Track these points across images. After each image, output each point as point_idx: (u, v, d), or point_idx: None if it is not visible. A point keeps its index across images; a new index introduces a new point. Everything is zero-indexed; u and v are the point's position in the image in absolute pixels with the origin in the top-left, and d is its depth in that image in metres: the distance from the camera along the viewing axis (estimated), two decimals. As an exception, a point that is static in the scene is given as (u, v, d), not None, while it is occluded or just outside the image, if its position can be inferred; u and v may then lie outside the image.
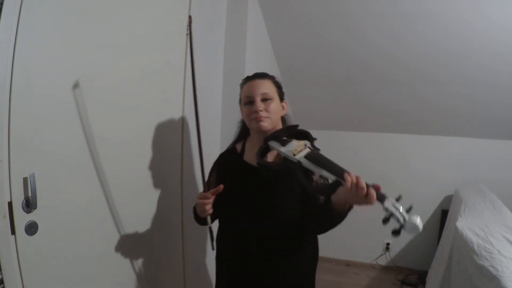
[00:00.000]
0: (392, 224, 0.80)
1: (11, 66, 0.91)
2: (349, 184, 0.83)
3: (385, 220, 0.80)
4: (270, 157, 1.16)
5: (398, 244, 3.02)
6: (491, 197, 2.20)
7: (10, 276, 0.93)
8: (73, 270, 1.15)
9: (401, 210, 0.79)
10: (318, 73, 2.65)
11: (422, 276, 2.62)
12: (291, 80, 2.76)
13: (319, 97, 2.85)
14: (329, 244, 3.20)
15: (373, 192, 0.82)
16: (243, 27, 2.07)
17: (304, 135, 1.14)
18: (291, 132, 1.14)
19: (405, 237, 3.00)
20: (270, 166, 1.07)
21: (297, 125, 1.18)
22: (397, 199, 0.82)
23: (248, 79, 1.18)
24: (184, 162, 1.69)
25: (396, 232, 0.79)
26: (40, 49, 0.99)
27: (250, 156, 1.19)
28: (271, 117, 1.13)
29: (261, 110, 1.11)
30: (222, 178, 1.21)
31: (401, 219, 0.78)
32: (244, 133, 1.28)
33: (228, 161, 1.26)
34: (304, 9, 2.20)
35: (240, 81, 1.24)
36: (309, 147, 1.04)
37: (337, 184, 0.89)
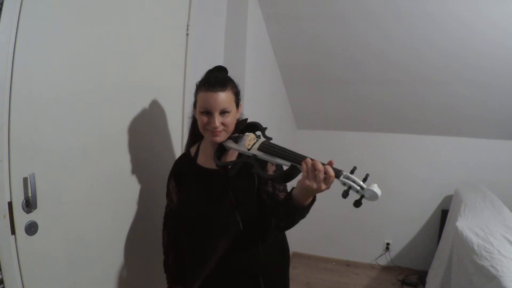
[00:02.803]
0: (353, 197, 0.84)
1: (11, 66, 0.91)
2: (304, 170, 0.84)
3: (345, 194, 0.83)
4: (229, 156, 1.16)
5: (398, 244, 3.02)
6: (491, 197, 2.20)
7: (10, 276, 0.93)
8: (73, 270, 1.15)
9: (357, 181, 0.82)
10: (318, 73, 2.65)
11: (422, 276, 2.63)
12: (291, 80, 2.76)
13: (319, 97, 2.85)
14: (329, 244, 3.21)
15: (331, 171, 0.83)
16: (243, 27, 2.07)
17: (254, 127, 1.13)
18: (242, 126, 1.14)
19: (405, 237, 3.00)
20: (229, 166, 1.06)
21: (246, 119, 1.17)
22: (352, 171, 0.85)
23: (208, 87, 1.06)
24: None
25: (357, 203, 0.83)
26: (40, 49, 0.99)
27: (203, 159, 1.18)
28: (227, 130, 1.09)
29: (218, 126, 1.06)
30: (180, 184, 1.21)
31: (359, 189, 0.82)
32: (197, 136, 1.23)
33: (184, 166, 1.23)
34: (304, 9, 2.20)
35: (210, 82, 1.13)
36: (262, 138, 1.05)
37: (294, 169, 0.90)
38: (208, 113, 1.06)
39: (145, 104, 1.43)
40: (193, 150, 1.24)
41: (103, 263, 1.27)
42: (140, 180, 1.43)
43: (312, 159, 0.86)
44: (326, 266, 3.08)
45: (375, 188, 0.81)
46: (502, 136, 2.68)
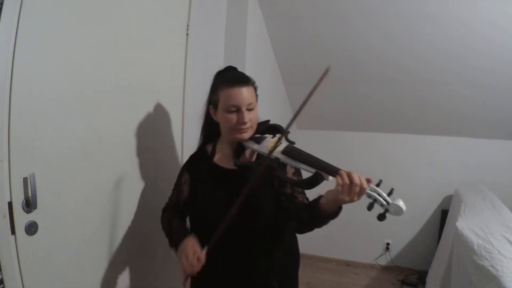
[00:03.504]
0: (377, 210, 0.83)
1: (11, 66, 0.91)
2: (340, 183, 0.82)
3: (370, 207, 0.83)
4: (245, 156, 1.14)
5: (398, 244, 3.02)
6: (491, 197, 2.20)
7: (10, 276, 0.93)
8: (73, 270, 1.15)
9: (383, 195, 0.82)
10: (318, 73, 2.62)
11: (422, 276, 2.62)
12: (291, 80, 2.76)
13: (318, 97, 2.83)
14: (329, 244, 3.21)
15: (365, 183, 0.82)
16: (243, 27, 2.07)
17: (276, 129, 1.12)
18: (263, 128, 1.12)
19: (405, 237, 3.00)
20: (249, 166, 1.03)
21: (268, 120, 1.16)
22: (378, 185, 0.84)
23: (233, 83, 1.05)
24: (184, 161, 1.68)
25: (381, 216, 0.82)
26: (40, 49, 0.99)
27: (221, 159, 1.16)
28: (253, 126, 1.08)
29: (248, 122, 1.04)
30: (194, 181, 1.18)
31: (385, 203, 0.81)
32: (213, 134, 1.20)
33: (199, 164, 1.19)
34: (304, 9, 2.20)
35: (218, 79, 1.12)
36: (284, 141, 1.04)
37: (318, 177, 0.88)
38: (236, 110, 1.05)
39: (145, 104, 1.43)
40: (208, 148, 1.21)
41: (103, 263, 1.27)
42: (140, 180, 1.43)
43: (346, 171, 0.84)
44: (326, 266, 3.08)
45: (400, 203, 0.80)
46: (502, 136, 2.68)
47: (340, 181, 0.82)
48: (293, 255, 1.24)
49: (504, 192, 2.48)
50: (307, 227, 0.99)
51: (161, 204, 1.43)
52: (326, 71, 0.96)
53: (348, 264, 3.11)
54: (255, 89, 1.12)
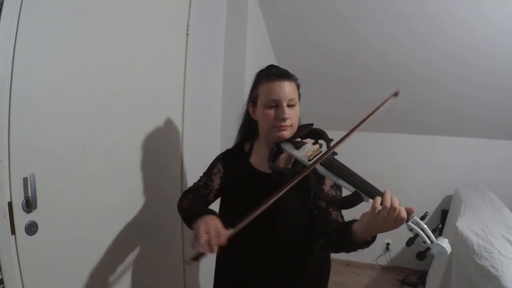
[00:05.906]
0: (418, 247, 0.74)
1: (11, 66, 0.91)
2: (377, 208, 0.74)
3: (410, 242, 0.74)
4: (282, 161, 1.09)
5: (398, 244, 3.02)
6: (491, 197, 2.20)
7: (10, 276, 0.93)
8: (73, 270, 1.15)
9: (427, 230, 0.73)
10: (318, 73, 2.64)
11: (422, 276, 2.62)
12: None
13: (318, 97, 2.84)
14: (329, 244, 3.20)
15: (404, 213, 0.73)
16: (243, 27, 2.07)
17: (319, 135, 1.04)
18: (305, 131, 1.06)
19: (405, 237, 2.97)
20: (283, 173, 0.97)
21: (311, 124, 1.08)
22: (422, 218, 0.76)
23: (274, 77, 1.01)
24: (184, 162, 1.69)
25: (421, 256, 0.73)
26: (40, 49, 0.99)
27: (257, 160, 1.11)
28: (293, 125, 1.03)
29: (288, 118, 0.99)
30: (228, 178, 1.14)
31: (428, 241, 0.72)
32: (252, 132, 1.15)
33: (235, 161, 1.14)
34: (304, 9, 2.20)
35: (260, 75, 1.08)
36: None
37: (357, 197, 0.80)
38: (276, 105, 1.01)
39: (145, 104, 1.43)
40: (246, 147, 1.17)
41: (103, 263, 1.27)
42: (140, 180, 1.43)
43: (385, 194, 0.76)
44: (326, 266, 3.08)
45: (445, 244, 0.70)
46: (502, 136, 2.68)
47: (377, 205, 0.75)
48: (322, 271, 1.18)
49: (504, 192, 2.48)
50: (334, 249, 0.93)
51: (162, 203, 1.43)
52: (395, 94, 0.91)
53: (348, 264, 3.11)
54: (298, 86, 1.08)
